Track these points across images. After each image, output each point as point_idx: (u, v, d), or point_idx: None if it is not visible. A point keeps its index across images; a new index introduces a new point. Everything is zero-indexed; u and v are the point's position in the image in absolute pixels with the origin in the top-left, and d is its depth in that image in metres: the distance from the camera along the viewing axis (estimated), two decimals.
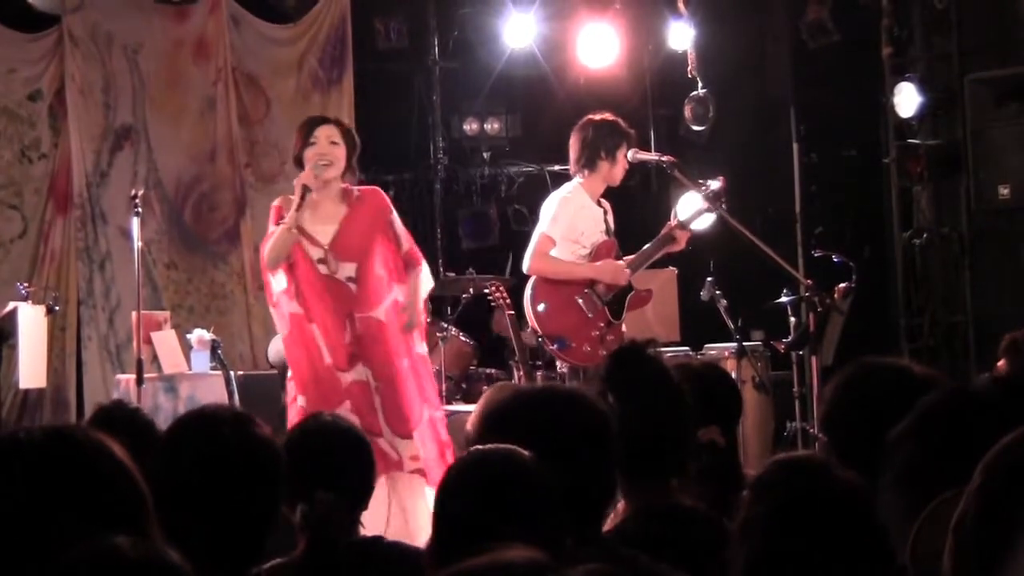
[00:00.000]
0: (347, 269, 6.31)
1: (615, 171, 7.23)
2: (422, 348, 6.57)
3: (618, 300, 7.21)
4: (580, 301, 7.15)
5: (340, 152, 6.31)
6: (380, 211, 6.46)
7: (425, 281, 6.57)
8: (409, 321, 6.39)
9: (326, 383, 6.25)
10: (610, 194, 7.38)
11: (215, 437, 2.67)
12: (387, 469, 6.06)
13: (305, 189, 6.21)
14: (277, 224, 6.29)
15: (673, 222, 7.39)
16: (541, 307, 7.14)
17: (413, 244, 6.55)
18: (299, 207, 6.19)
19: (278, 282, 6.34)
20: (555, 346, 7.11)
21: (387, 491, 6.01)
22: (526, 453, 2.50)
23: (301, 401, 6.27)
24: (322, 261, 6.28)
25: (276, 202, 6.48)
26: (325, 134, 6.31)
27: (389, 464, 6.13)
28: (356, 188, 6.47)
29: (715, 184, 7.31)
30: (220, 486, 2.62)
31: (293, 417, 6.16)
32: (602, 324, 7.17)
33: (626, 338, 6.98)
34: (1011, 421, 2.02)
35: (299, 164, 6.34)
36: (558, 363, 7.28)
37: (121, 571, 1.73)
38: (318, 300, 6.29)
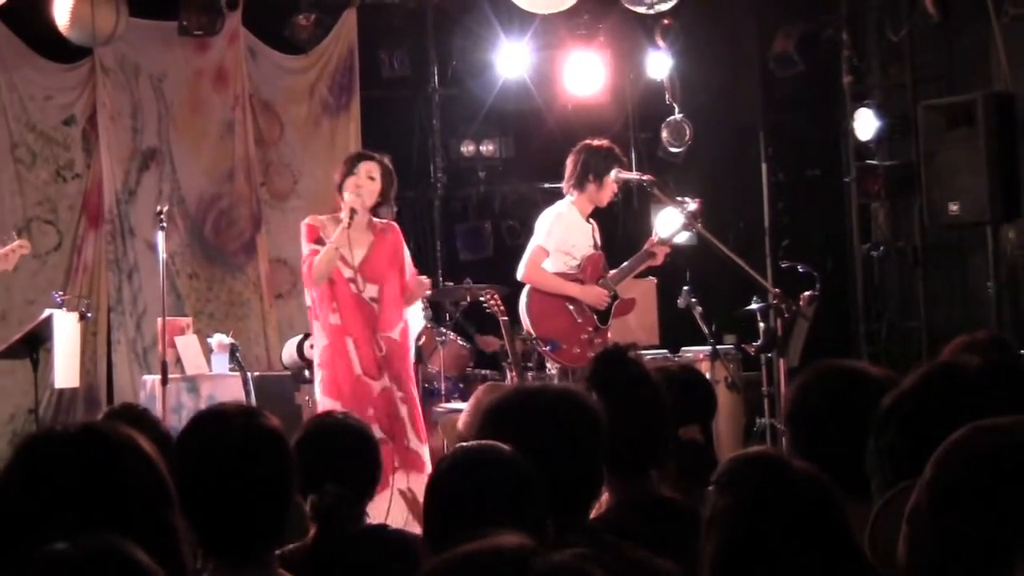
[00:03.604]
0: (371, 290, 6.48)
1: (602, 193, 7.24)
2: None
3: (605, 307, 7.23)
4: (571, 307, 7.16)
5: (375, 187, 6.48)
6: (399, 244, 6.62)
7: (415, 319, 6.73)
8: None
9: (358, 391, 6.37)
10: (595, 209, 7.39)
11: (226, 429, 2.67)
12: (415, 467, 6.30)
13: (352, 212, 6.38)
14: (312, 241, 6.43)
15: (654, 239, 7.42)
16: (536, 312, 7.16)
17: (414, 274, 6.69)
18: (348, 226, 6.34)
19: (321, 296, 6.47)
20: (547, 348, 7.12)
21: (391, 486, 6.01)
22: (507, 448, 2.51)
23: (336, 407, 6.30)
24: (351, 280, 6.42)
25: (307, 220, 6.59)
26: (365, 168, 6.49)
27: (417, 464, 6.32)
28: (379, 221, 6.60)
29: (692, 205, 7.33)
30: (233, 473, 2.62)
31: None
32: (590, 329, 7.18)
33: (611, 342, 7.00)
34: (997, 405, 2.01)
35: (339, 190, 6.52)
36: (548, 364, 7.28)
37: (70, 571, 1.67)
38: (351, 315, 6.43)
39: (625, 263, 7.38)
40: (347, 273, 6.42)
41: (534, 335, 7.14)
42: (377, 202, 6.52)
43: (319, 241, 6.44)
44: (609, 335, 7.20)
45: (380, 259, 6.49)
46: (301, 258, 6.57)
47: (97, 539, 1.68)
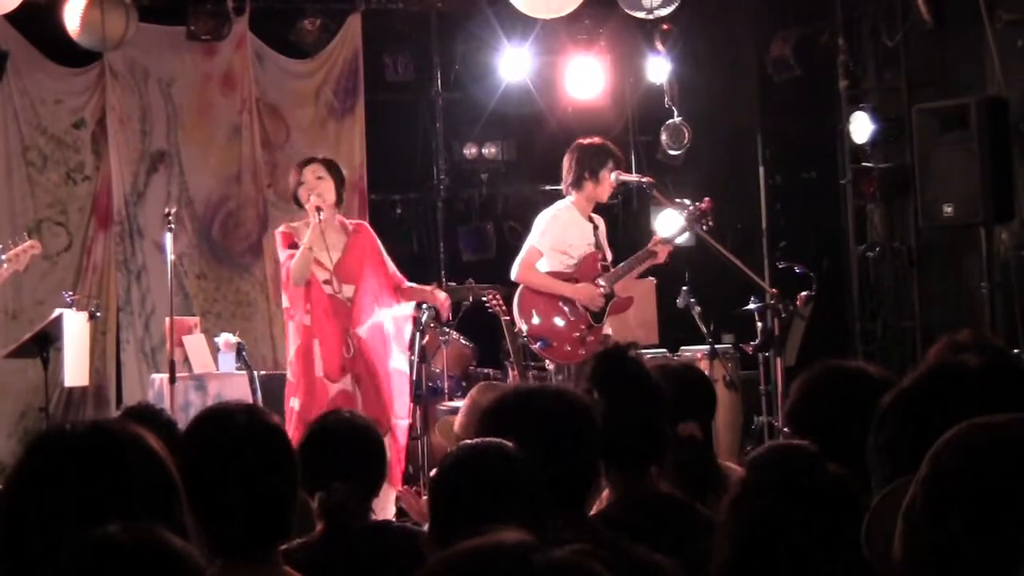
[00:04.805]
0: (347, 290, 6.58)
1: (599, 190, 7.23)
2: (395, 363, 6.73)
3: (600, 306, 7.22)
4: (563, 306, 7.16)
5: (327, 184, 6.62)
6: (372, 241, 6.74)
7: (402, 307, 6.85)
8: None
9: (316, 392, 6.45)
10: (596, 211, 7.38)
11: (229, 427, 2.67)
12: None
13: (319, 210, 6.49)
14: (288, 246, 6.57)
15: (657, 238, 7.41)
16: (527, 310, 7.15)
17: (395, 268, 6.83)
18: (320, 221, 6.44)
19: (296, 297, 6.58)
20: (538, 345, 7.13)
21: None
22: (511, 445, 2.51)
23: (294, 404, 6.48)
24: (327, 282, 6.51)
25: (282, 228, 6.77)
26: (311, 172, 6.64)
27: None
28: (349, 222, 6.80)
29: (701, 204, 7.34)
30: (236, 471, 2.61)
31: (288, 417, 6.32)
32: (583, 327, 7.17)
33: (608, 339, 7.00)
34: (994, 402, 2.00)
35: (295, 201, 6.72)
36: (545, 361, 7.27)
37: (117, 558, 1.69)
38: (324, 317, 6.52)
39: (625, 262, 7.36)
40: (323, 276, 6.55)
41: (526, 333, 7.14)
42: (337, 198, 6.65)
43: (294, 246, 6.56)
44: (604, 331, 7.18)
45: (355, 259, 6.62)
46: (279, 264, 6.70)
47: (139, 526, 1.69)
